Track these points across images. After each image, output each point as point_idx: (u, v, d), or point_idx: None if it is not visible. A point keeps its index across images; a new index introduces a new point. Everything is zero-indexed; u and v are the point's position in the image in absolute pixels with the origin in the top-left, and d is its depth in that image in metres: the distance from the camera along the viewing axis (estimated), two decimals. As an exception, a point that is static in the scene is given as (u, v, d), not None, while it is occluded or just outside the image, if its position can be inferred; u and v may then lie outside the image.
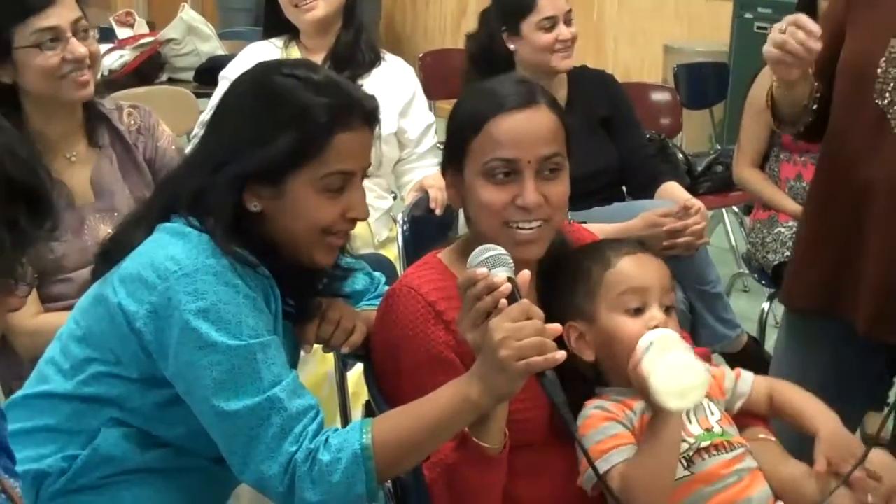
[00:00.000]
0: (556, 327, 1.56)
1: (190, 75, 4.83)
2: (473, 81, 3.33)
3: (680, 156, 4.42)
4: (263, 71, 1.77)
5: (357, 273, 2.01)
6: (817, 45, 1.92)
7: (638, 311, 1.74)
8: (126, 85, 4.26)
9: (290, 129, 1.65)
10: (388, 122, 2.98)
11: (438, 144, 3.10)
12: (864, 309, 2.09)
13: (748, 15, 5.82)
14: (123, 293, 1.67)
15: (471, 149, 1.76)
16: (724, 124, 5.41)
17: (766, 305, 3.56)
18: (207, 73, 4.67)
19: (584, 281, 1.78)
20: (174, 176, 1.85)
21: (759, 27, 5.75)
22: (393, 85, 3.11)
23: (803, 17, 1.93)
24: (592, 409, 1.74)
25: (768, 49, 1.96)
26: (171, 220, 1.72)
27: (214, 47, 4.90)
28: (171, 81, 4.79)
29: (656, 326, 1.70)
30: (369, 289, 2.04)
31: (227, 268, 1.64)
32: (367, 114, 1.72)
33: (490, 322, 1.54)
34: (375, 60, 3.11)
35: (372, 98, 1.76)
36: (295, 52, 3.13)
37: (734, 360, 3.22)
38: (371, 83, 3.03)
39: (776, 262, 3.37)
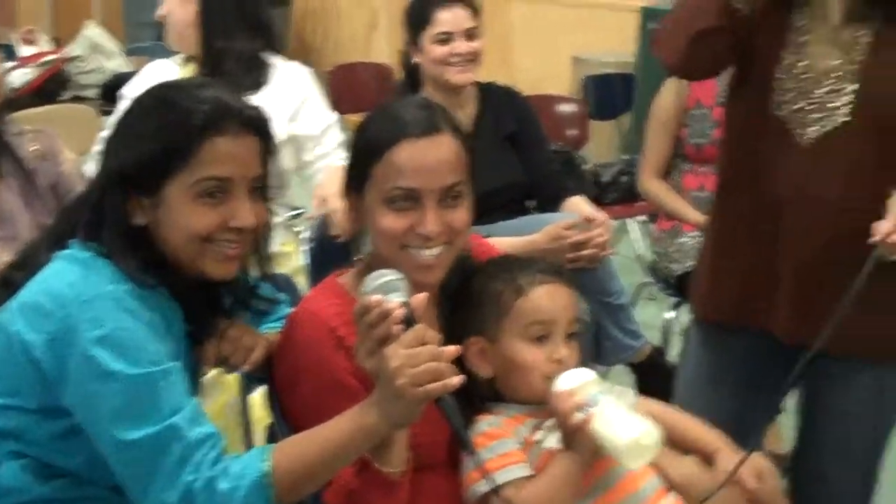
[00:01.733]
0: (452, 350, 1.57)
1: (95, 92, 4.79)
2: (402, 96, 3.42)
3: (587, 167, 4.50)
4: (155, 86, 1.79)
5: (259, 291, 2.00)
6: None
7: (542, 339, 1.78)
8: (29, 104, 4.22)
9: (161, 133, 1.66)
10: (277, 130, 2.95)
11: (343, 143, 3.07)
12: (783, 316, 2.13)
13: (654, 26, 5.90)
14: (21, 322, 1.65)
15: (372, 174, 1.77)
16: (630, 134, 5.49)
17: (670, 314, 3.62)
18: (113, 91, 4.63)
19: (493, 303, 1.80)
20: (73, 201, 1.84)
21: (664, 38, 5.85)
22: (282, 91, 3.04)
23: None
24: (485, 427, 1.77)
25: None
26: (70, 245, 1.71)
27: (119, 64, 4.87)
28: (75, 99, 4.75)
29: (559, 360, 1.75)
30: (270, 310, 2.03)
31: (127, 293, 1.63)
32: (246, 120, 1.71)
33: (386, 350, 1.55)
34: (258, 85, 3.01)
35: (254, 107, 1.75)
36: (193, 69, 3.09)
37: (638, 370, 3.29)
38: (258, 94, 3.01)
39: (680, 272, 3.43)
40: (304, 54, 8.24)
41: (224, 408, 2.60)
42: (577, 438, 1.67)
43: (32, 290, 1.67)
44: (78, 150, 3.09)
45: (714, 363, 2.28)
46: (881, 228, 1.88)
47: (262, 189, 1.75)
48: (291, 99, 3.04)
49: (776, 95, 2.06)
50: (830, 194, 2.03)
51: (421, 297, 1.62)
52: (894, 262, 1.90)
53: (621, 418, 1.66)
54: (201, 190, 1.67)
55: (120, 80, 4.65)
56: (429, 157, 1.74)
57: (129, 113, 1.75)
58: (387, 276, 1.63)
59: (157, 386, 1.60)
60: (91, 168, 2.89)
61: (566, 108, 4.98)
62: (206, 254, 1.71)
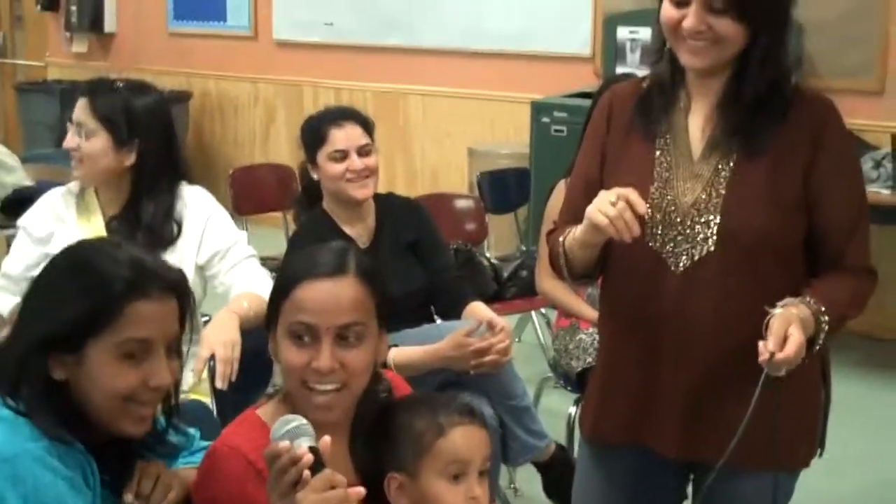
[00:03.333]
0: (358, 491, 1.66)
1: (-5, 207, 4.77)
2: (300, 208, 3.49)
3: (487, 263, 4.61)
4: (73, 247, 1.85)
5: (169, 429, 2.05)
6: (637, 232, 2.02)
7: (458, 478, 1.88)
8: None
9: (84, 296, 1.72)
10: (187, 265, 2.95)
11: (253, 255, 3.08)
12: (670, 433, 2.20)
13: (545, 119, 6.08)
14: None
15: (281, 310, 1.88)
16: (528, 225, 5.62)
17: (572, 410, 3.71)
18: (13, 205, 4.63)
19: (413, 441, 1.89)
20: None
21: (555, 130, 6.03)
22: (191, 230, 3.03)
23: (634, 196, 2.01)
24: None
25: (595, 216, 2.03)
26: None
27: (20, 178, 4.86)
28: (-27, 215, 4.73)
29: (474, 497, 1.86)
30: (184, 444, 2.06)
31: (46, 450, 1.67)
32: (166, 283, 1.79)
33: (297, 496, 1.63)
34: (173, 238, 2.98)
35: (174, 269, 1.84)
36: (91, 199, 3.04)
37: (544, 469, 3.38)
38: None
39: (580, 369, 3.52)
40: (202, 151, 8.29)
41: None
42: None
43: None
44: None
45: (603, 482, 2.35)
46: (766, 348, 1.96)
47: (177, 346, 1.83)
48: (194, 230, 3.02)
49: (648, 228, 2.14)
50: (704, 318, 2.13)
51: (326, 442, 1.70)
52: (779, 377, 1.99)
53: None
54: (124, 351, 1.73)
55: (20, 194, 4.67)
56: (328, 296, 1.86)
57: (48, 274, 1.81)
58: (294, 421, 1.72)
59: None
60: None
61: (463, 204, 5.09)
62: (125, 413, 1.76)
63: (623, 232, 2.01)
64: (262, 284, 2.96)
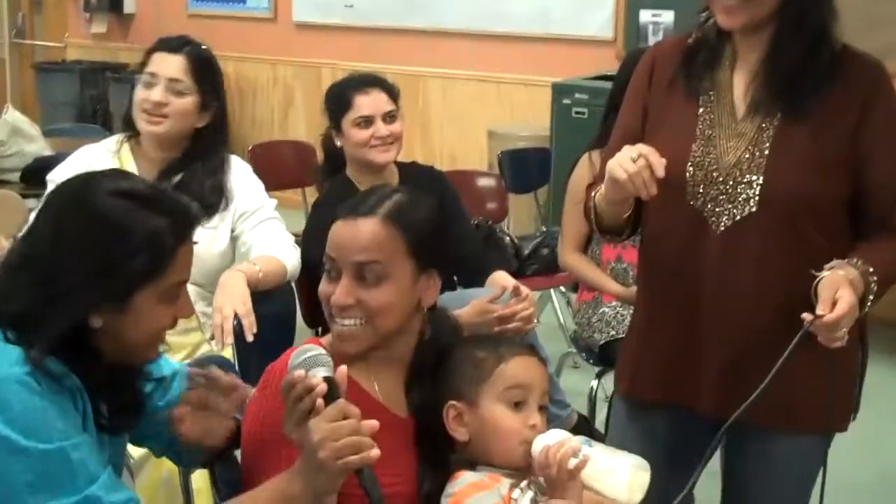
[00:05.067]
0: (371, 424, 1.66)
1: (15, 176, 4.76)
2: (323, 176, 3.48)
3: (507, 240, 4.59)
4: (86, 196, 1.75)
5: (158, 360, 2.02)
6: (654, 192, 2.02)
7: (518, 405, 1.88)
8: (-51, 189, 4.19)
9: (139, 254, 1.70)
10: (222, 236, 3.02)
11: (278, 219, 3.11)
12: (706, 395, 2.20)
13: (566, 101, 6.07)
14: None
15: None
16: (548, 207, 5.60)
17: (594, 383, 3.70)
18: (34, 174, 4.62)
19: (475, 368, 1.91)
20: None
21: (576, 112, 6.02)
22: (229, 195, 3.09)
23: (654, 157, 2.01)
24: (470, 478, 1.85)
25: (615, 170, 2.03)
26: None
27: (41, 147, 4.86)
28: (-4, 183, 4.73)
29: (534, 425, 1.86)
30: (176, 371, 2.05)
31: (32, 374, 1.66)
32: (196, 222, 1.82)
33: (309, 423, 1.65)
34: (216, 206, 3.03)
35: (193, 204, 1.85)
36: (127, 158, 3.09)
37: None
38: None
39: (603, 342, 3.53)
40: (221, 132, 8.27)
41: (157, 483, 2.61)
42: (569, 486, 1.77)
43: None
44: (5, 233, 3.10)
45: (639, 439, 2.34)
46: (821, 310, 1.94)
47: None
48: (235, 196, 3.07)
49: (689, 187, 2.14)
50: (743, 280, 2.12)
51: (342, 371, 1.72)
52: (811, 336, 1.97)
53: (613, 459, 1.78)
54: (171, 294, 1.77)
55: (41, 163, 4.66)
56: (349, 233, 1.90)
57: (82, 223, 1.73)
58: (311, 351, 1.73)
59: (70, 458, 1.65)
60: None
61: (484, 182, 5.07)
62: (153, 345, 1.81)
63: (640, 189, 2.02)
64: (281, 246, 2.97)
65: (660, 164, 2.01)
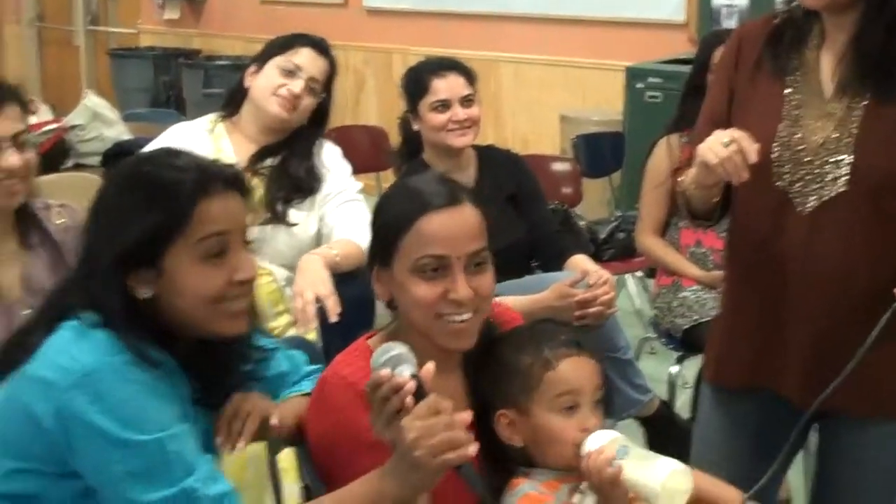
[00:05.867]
0: (465, 416, 1.63)
1: (96, 160, 4.82)
2: (401, 160, 3.49)
3: (582, 224, 4.57)
4: (124, 164, 1.83)
5: (276, 354, 2.04)
6: (746, 177, 1.98)
7: (571, 409, 1.83)
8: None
9: (152, 206, 1.70)
10: (313, 220, 3.06)
11: (361, 200, 3.17)
12: (795, 380, 2.17)
13: (639, 85, 6.02)
14: (29, 394, 1.69)
15: (400, 247, 1.84)
16: (622, 191, 5.57)
17: (674, 368, 3.67)
18: (114, 158, 4.68)
19: (522, 376, 1.85)
20: (68, 277, 1.87)
21: (650, 96, 5.97)
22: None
23: (747, 143, 1.98)
24: (527, 489, 1.82)
25: (707, 154, 2.00)
26: (71, 318, 1.73)
27: (120, 132, 4.91)
28: (77, 167, 4.79)
29: (588, 429, 1.81)
30: (292, 371, 2.07)
31: (128, 363, 1.66)
32: (228, 179, 1.78)
33: (402, 423, 1.61)
34: (312, 190, 3.12)
35: (230, 165, 1.85)
36: (222, 137, 3.15)
37: (647, 424, 3.34)
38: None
39: (686, 326, 3.49)
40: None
41: (247, 462, 2.63)
42: (613, 492, 1.73)
43: (38, 363, 1.70)
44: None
45: (727, 426, 2.32)
46: None
47: (248, 243, 1.82)
48: (325, 180, 3.16)
49: (774, 167, 2.12)
50: (831, 260, 2.09)
51: (429, 368, 1.68)
52: None
53: (652, 464, 1.73)
54: (203, 251, 1.72)
55: (121, 147, 4.72)
56: (454, 225, 1.83)
57: (107, 194, 1.78)
58: (394, 349, 1.70)
59: (167, 450, 1.65)
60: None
61: (559, 166, 5.03)
62: (218, 314, 1.75)
63: (732, 174, 1.98)
64: (361, 229, 2.99)
65: (752, 150, 1.97)
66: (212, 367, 1.84)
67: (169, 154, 1.83)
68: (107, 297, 1.70)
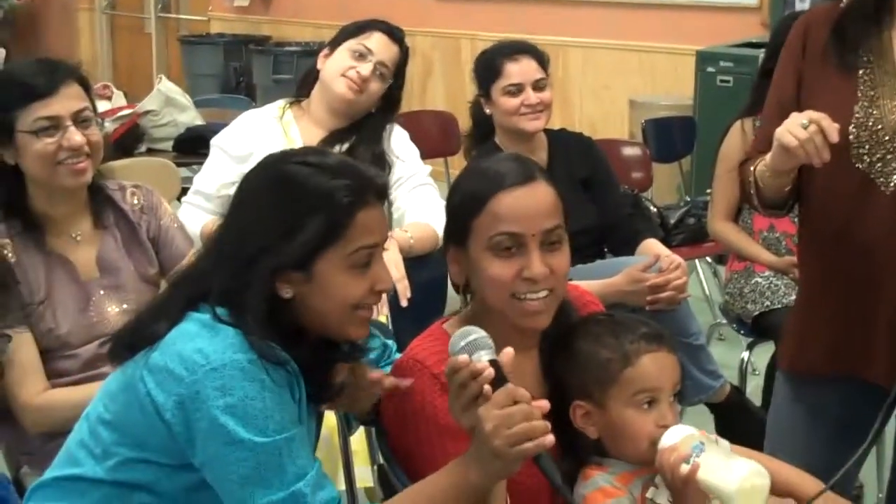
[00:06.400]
0: (542, 405, 1.62)
1: (168, 145, 4.89)
2: (472, 143, 3.49)
3: (653, 209, 4.54)
4: (274, 163, 1.81)
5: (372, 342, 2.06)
6: (827, 158, 1.95)
7: (649, 405, 1.80)
8: (107, 157, 4.31)
9: (315, 214, 1.70)
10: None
11: (432, 185, 3.19)
12: (881, 360, 2.14)
13: (710, 69, 5.97)
14: (152, 383, 1.70)
15: (474, 226, 1.82)
16: (692, 176, 5.52)
17: (745, 354, 3.63)
18: (186, 143, 4.75)
19: (600, 370, 1.82)
20: (198, 268, 1.85)
21: (721, 80, 5.91)
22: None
23: (827, 122, 1.95)
24: (601, 482, 1.80)
25: (785, 137, 1.97)
26: (200, 309, 1.74)
27: (192, 117, 4.97)
28: (150, 152, 4.86)
29: (666, 426, 1.78)
30: (382, 356, 2.09)
31: (254, 363, 1.66)
32: (378, 190, 1.79)
33: (480, 411, 1.60)
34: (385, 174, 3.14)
35: (381, 175, 1.85)
36: (290, 123, 3.17)
37: (718, 410, 3.31)
38: None
39: (757, 312, 3.45)
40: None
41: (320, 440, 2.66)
42: (687, 491, 1.70)
43: (163, 353, 1.70)
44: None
45: (807, 415, 2.29)
46: None
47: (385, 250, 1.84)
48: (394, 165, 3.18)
49: (853, 149, 2.09)
50: None
51: (509, 354, 1.67)
52: None
53: (727, 464, 1.69)
54: (356, 260, 1.74)
55: (194, 132, 4.78)
56: (528, 202, 1.81)
57: (262, 195, 1.77)
58: (472, 334, 1.68)
59: (282, 453, 1.65)
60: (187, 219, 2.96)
61: (629, 151, 5.00)
62: (353, 319, 1.77)
63: (813, 156, 1.95)
64: (433, 212, 2.99)
65: (833, 129, 1.94)
66: (329, 367, 1.85)
67: (317, 154, 1.83)
68: (252, 297, 1.70)
